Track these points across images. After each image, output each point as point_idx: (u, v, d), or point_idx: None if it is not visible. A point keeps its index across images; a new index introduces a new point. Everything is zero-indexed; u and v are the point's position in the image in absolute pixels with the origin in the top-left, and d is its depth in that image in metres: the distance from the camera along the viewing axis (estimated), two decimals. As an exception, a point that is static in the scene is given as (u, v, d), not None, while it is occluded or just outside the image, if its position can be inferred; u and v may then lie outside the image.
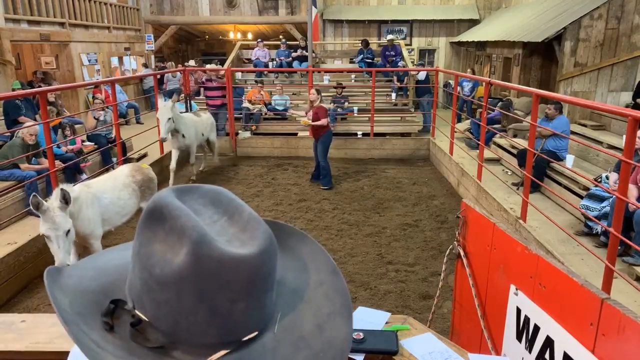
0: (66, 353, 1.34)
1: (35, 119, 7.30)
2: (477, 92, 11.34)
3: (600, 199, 4.85)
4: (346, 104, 10.63)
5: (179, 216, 0.60)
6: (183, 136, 7.15)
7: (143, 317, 0.62)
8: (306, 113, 7.37)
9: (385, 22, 15.21)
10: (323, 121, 7.14)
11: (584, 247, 4.18)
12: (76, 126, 7.71)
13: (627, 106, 7.24)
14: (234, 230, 0.64)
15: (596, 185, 4.88)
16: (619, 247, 3.77)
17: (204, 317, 0.59)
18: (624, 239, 3.58)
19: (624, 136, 5.26)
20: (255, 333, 0.62)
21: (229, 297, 0.59)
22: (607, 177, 5.13)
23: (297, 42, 13.33)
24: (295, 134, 9.96)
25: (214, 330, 0.60)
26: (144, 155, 8.22)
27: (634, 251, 4.14)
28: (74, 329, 0.60)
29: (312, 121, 7.20)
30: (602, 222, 4.42)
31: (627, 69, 8.37)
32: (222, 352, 0.60)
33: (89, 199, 4.03)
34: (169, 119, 6.68)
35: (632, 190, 4.37)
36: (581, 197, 5.28)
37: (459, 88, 9.92)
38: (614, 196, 4.29)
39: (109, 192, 4.36)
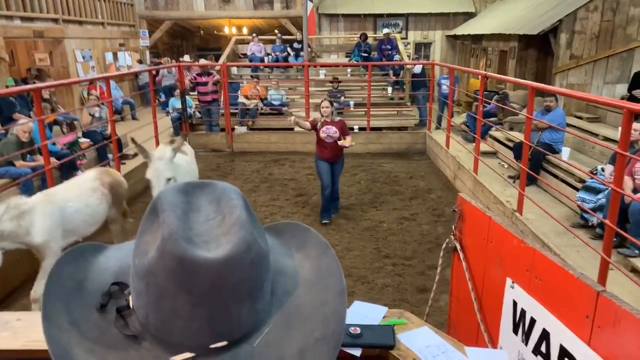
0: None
1: (29, 116, 7.26)
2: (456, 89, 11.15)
3: (596, 191, 4.86)
4: (342, 98, 10.61)
5: (164, 211, 0.62)
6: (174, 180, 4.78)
7: (131, 302, 0.64)
8: (318, 125, 5.72)
9: (381, 15, 15.17)
10: (350, 138, 5.84)
11: (580, 239, 4.20)
12: (75, 122, 7.66)
13: (622, 98, 7.25)
14: (219, 231, 0.63)
15: (592, 178, 4.89)
16: (615, 239, 3.79)
17: (167, 315, 0.59)
18: (619, 230, 3.59)
19: (620, 128, 5.28)
20: (224, 343, 0.60)
21: (189, 299, 0.58)
22: (602, 170, 5.14)
23: (293, 37, 13.28)
24: (292, 129, 9.94)
25: (177, 330, 0.59)
26: (140, 152, 8.17)
27: (630, 243, 4.16)
28: (49, 306, 0.63)
29: (339, 139, 5.69)
30: (598, 214, 4.43)
31: (623, 60, 8.38)
32: (187, 355, 0.59)
33: (47, 210, 3.71)
34: (169, 179, 4.24)
35: (628, 182, 4.39)
36: (577, 189, 5.29)
37: (436, 87, 9.93)
38: (609, 188, 4.31)
39: (74, 200, 4.01)
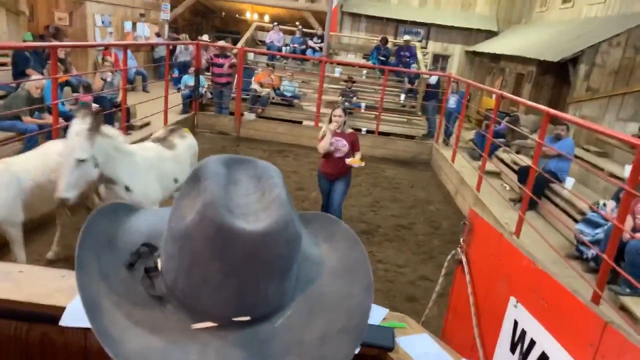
0: (63, 308, 1.34)
1: (42, 74, 7.23)
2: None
3: (595, 225, 4.88)
4: (354, 99, 10.60)
5: (206, 178, 0.62)
6: (127, 189, 3.51)
7: (159, 265, 0.65)
8: (331, 136, 4.90)
9: (403, 22, 15.14)
10: (360, 154, 5.12)
11: (575, 270, 4.21)
12: (90, 85, 7.63)
13: (633, 136, 7.26)
14: (259, 207, 0.63)
15: (594, 211, 4.90)
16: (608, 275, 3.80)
17: (196, 281, 0.60)
18: (615, 266, 3.61)
19: (627, 166, 5.29)
20: (247, 318, 0.60)
21: (222, 268, 0.58)
22: (604, 204, 5.15)
23: (314, 31, 13.24)
24: (300, 122, 9.94)
25: (204, 298, 0.60)
26: (147, 124, 8.17)
27: (621, 281, 4.17)
28: (83, 254, 0.65)
29: (348, 153, 4.96)
30: (595, 247, 4.44)
31: (638, 99, 8.39)
32: (209, 324, 0.60)
33: (4, 181, 3.27)
34: (81, 160, 3.08)
35: (629, 220, 4.40)
36: (576, 220, 5.30)
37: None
38: (609, 224, 4.32)
39: (34, 172, 3.45)
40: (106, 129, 3.29)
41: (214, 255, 0.58)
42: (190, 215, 0.60)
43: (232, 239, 0.57)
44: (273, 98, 10.44)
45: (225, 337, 0.59)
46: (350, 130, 5.15)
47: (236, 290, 0.59)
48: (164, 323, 0.60)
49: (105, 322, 0.58)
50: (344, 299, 0.67)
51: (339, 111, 5.00)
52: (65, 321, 1.31)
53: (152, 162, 3.75)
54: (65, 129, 6.09)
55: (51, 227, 4.86)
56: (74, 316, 1.32)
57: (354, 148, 5.03)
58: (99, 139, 3.13)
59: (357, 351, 1.34)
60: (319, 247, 0.76)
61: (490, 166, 7.41)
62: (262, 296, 0.61)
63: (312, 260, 0.72)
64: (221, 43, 10.73)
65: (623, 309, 4.00)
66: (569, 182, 6.15)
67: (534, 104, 6.31)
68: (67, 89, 7.60)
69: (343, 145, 4.94)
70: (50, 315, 1.33)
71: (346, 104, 10.27)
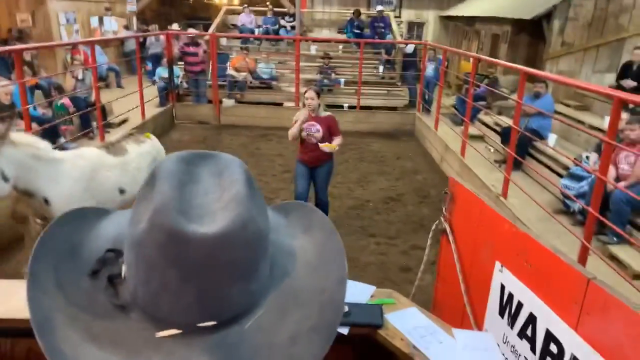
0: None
1: (10, 79, 7.03)
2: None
3: (580, 179, 4.93)
4: (333, 75, 10.50)
5: (159, 179, 0.60)
6: (46, 202, 3.06)
7: (124, 272, 0.62)
8: (303, 122, 4.53)
9: (375, -8, 14.91)
10: (339, 139, 4.68)
11: (562, 225, 4.26)
12: (62, 86, 7.44)
13: (610, 87, 7.30)
14: (217, 206, 0.60)
15: (577, 165, 4.95)
16: (595, 226, 3.86)
17: (155, 289, 0.58)
18: (601, 217, 3.65)
19: (606, 117, 5.33)
20: (212, 323, 0.58)
21: (178, 275, 0.56)
22: (587, 157, 5.20)
23: (285, 10, 13.01)
24: (281, 104, 9.84)
25: (165, 305, 0.58)
26: (125, 120, 8.02)
27: (609, 230, 4.24)
28: (36, 266, 0.61)
29: (323, 139, 4.55)
30: (580, 200, 4.50)
31: (613, 50, 8.41)
32: (173, 331, 0.58)
33: None
34: None
35: (611, 171, 4.45)
36: (561, 176, 5.36)
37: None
38: (592, 176, 4.37)
39: None
40: (21, 136, 2.94)
41: (168, 262, 0.56)
42: (143, 222, 0.57)
43: (185, 244, 0.55)
44: (250, 82, 10.30)
45: (190, 344, 0.57)
46: (327, 114, 4.66)
47: (196, 296, 0.57)
48: (126, 334, 0.58)
49: (57, 339, 0.56)
50: (317, 294, 0.64)
51: (311, 93, 4.51)
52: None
53: (84, 171, 3.28)
54: (41, 134, 5.98)
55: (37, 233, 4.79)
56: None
57: (332, 133, 4.56)
58: (7, 149, 2.74)
59: (346, 332, 1.34)
60: (296, 239, 0.73)
61: (473, 130, 7.43)
62: (226, 300, 0.58)
63: (288, 253, 0.69)
64: (190, 31, 10.51)
65: (612, 257, 4.08)
66: (552, 138, 6.19)
67: (509, 64, 6.30)
68: (37, 92, 7.40)
69: (317, 130, 4.49)
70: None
71: (325, 81, 10.18)
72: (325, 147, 4.49)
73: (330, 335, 0.60)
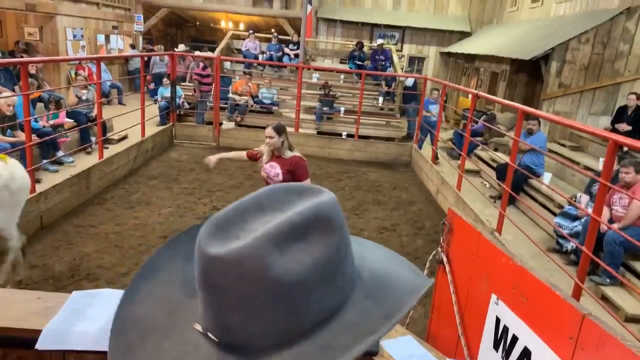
0: (39, 332, 1.30)
1: (14, 90, 7.08)
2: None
3: (573, 218, 4.97)
4: (333, 104, 10.65)
5: (241, 200, 0.64)
6: None
7: None
8: (263, 163, 3.93)
9: (378, 26, 15.27)
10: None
11: (556, 263, 4.28)
12: (61, 101, 7.49)
13: (605, 130, 7.43)
14: (249, 232, 0.58)
15: (571, 204, 4.99)
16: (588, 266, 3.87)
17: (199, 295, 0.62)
18: (594, 258, 3.67)
19: (601, 159, 5.41)
20: (215, 339, 0.59)
21: (197, 279, 0.60)
22: (581, 197, 5.26)
23: (289, 37, 13.27)
24: (280, 129, 9.91)
25: (199, 305, 0.62)
26: (124, 137, 8.06)
27: (601, 271, 4.26)
28: (178, 237, 0.77)
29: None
30: (574, 240, 4.52)
31: (609, 94, 8.61)
32: (200, 327, 0.62)
33: None
34: None
35: (605, 212, 4.50)
36: (555, 214, 5.40)
37: (424, 111, 9.17)
38: (586, 216, 4.41)
39: None
40: None
41: (196, 269, 0.61)
42: None
43: (199, 254, 0.59)
44: (251, 106, 10.41)
45: (199, 344, 0.60)
46: (293, 154, 3.89)
47: (204, 303, 0.60)
48: (185, 312, 0.64)
49: (141, 287, 0.70)
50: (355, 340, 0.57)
51: (269, 130, 3.82)
52: (41, 344, 1.27)
53: None
54: (39, 146, 6.00)
55: (27, 247, 4.75)
56: (51, 339, 1.28)
57: (295, 177, 3.82)
58: None
59: None
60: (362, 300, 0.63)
61: (470, 165, 7.51)
62: (223, 322, 0.58)
63: (349, 328, 0.59)
64: (197, 53, 10.71)
65: (604, 298, 4.08)
66: (547, 176, 6.27)
67: (508, 101, 6.43)
68: (39, 105, 7.46)
69: (276, 174, 3.81)
70: (26, 339, 1.29)
71: (325, 109, 10.31)
72: None
73: None
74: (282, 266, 0.55)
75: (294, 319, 0.57)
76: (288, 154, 3.87)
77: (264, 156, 3.93)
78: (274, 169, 3.84)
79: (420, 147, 9.34)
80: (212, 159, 4.19)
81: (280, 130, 3.82)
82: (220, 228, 0.60)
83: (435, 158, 8.39)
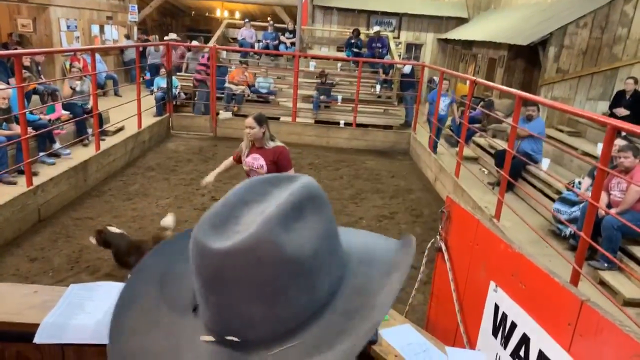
0: (36, 325, 1.30)
1: (8, 83, 7.02)
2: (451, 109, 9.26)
3: (571, 204, 4.98)
4: (330, 92, 10.59)
5: (225, 196, 0.63)
6: None
7: None
8: (244, 156, 3.86)
9: (375, 12, 15.14)
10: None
11: (554, 248, 4.29)
12: (56, 93, 7.44)
13: (603, 115, 7.42)
14: (249, 223, 0.58)
15: (569, 190, 5.00)
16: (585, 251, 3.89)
17: (198, 296, 0.62)
18: (592, 243, 3.69)
19: (599, 144, 5.41)
20: (235, 339, 0.58)
21: (203, 284, 0.59)
22: (579, 183, 5.26)
23: (285, 25, 13.16)
24: (278, 119, 9.88)
25: (203, 313, 0.61)
26: (121, 129, 8.02)
27: (599, 256, 4.28)
28: (150, 259, 0.74)
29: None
30: (572, 225, 4.54)
31: (607, 78, 8.58)
32: (209, 338, 0.60)
33: None
34: None
35: (603, 197, 4.50)
36: (553, 200, 5.41)
37: (431, 105, 8.63)
38: (584, 201, 4.42)
39: None
40: None
41: (196, 272, 0.60)
42: None
43: (204, 255, 0.57)
44: (248, 95, 10.35)
45: (215, 354, 0.59)
46: (276, 144, 3.80)
47: (216, 307, 0.59)
48: (184, 330, 0.63)
49: (127, 320, 0.66)
50: (348, 345, 0.58)
51: (250, 120, 3.71)
52: (39, 338, 1.27)
53: None
54: (36, 139, 5.97)
55: (27, 240, 4.75)
56: (49, 332, 1.28)
57: (279, 167, 3.73)
58: None
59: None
60: (386, 277, 0.64)
61: (468, 152, 7.50)
62: (246, 319, 0.58)
63: (359, 290, 0.63)
64: (195, 43, 10.63)
65: (602, 283, 4.10)
66: (545, 162, 6.26)
67: (505, 87, 6.40)
68: (35, 97, 7.40)
69: (260, 166, 3.72)
70: (24, 332, 1.29)
71: (322, 97, 10.26)
72: None
73: None
74: (293, 244, 0.57)
75: (313, 294, 0.60)
76: (270, 144, 3.78)
77: (243, 149, 3.86)
78: (257, 161, 3.76)
79: (435, 151, 8.33)
80: (209, 179, 4.14)
81: (261, 120, 3.72)
82: (216, 227, 0.59)
83: (433, 148, 8.30)
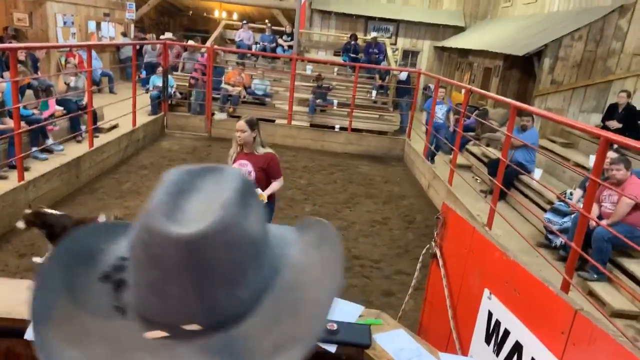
0: (27, 321, 1.29)
1: (2, 77, 6.96)
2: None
3: (563, 214, 5.02)
4: (327, 96, 10.61)
5: (160, 188, 0.62)
6: None
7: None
8: (231, 161, 3.69)
9: (372, 18, 15.20)
10: (277, 184, 3.76)
11: (545, 258, 4.32)
12: (50, 88, 7.38)
13: (596, 127, 7.50)
14: (207, 211, 0.60)
15: (561, 200, 5.04)
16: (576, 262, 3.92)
17: (144, 290, 0.59)
18: (583, 254, 3.72)
19: (591, 156, 5.46)
20: (197, 327, 0.58)
21: (161, 275, 0.57)
22: (571, 194, 5.31)
23: (283, 28, 13.18)
24: (273, 121, 9.88)
25: (152, 306, 0.59)
26: (115, 126, 7.97)
27: (589, 267, 4.31)
28: (47, 264, 0.66)
29: (257, 183, 3.63)
30: (563, 235, 4.57)
31: (600, 91, 8.67)
32: (160, 333, 0.58)
33: None
34: None
35: (594, 208, 4.54)
36: (545, 210, 5.45)
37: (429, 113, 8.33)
38: (576, 212, 4.45)
39: None
40: None
41: (151, 262, 0.57)
42: (137, 225, 0.60)
43: (165, 244, 0.56)
44: (244, 97, 10.34)
45: (174, 346, 0.58)
46: (266, 151, 3.68)
47: (178, 297, 0.57)
48: (117, 333, 0.59)
49: (50, 331, 0.59)
50: (311, 306, 0.63)
51: (241, 123, 3.58)
52: (31, 334, 1.25)
53: None
54: (29, 134, 5.91)
55: (16, 236, 4.70)
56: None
57: (269, 175, 3.64)
58: None
59: (333, 350, 1.34)
60: (306, 254, 0.71)
61: (461, 160, 7.54)
62: (210, 303, 0.58)
63: (292, 265, 0.69)
64: (191, 42, 10.61)
65: (591, 294, 4.13)
66: (537, 172, 6.31)
67: (500, 97, 6.45)
68: (29, 92, 7.34)
69: (246, 173, 3.53)
70: (15, 328, 1.28)
71: (318, 100, 10.28)
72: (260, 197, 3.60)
73: (311, 346, 0.59)
74: (252, 227, 0.62)
75: (263, 272, 0.64)
76: (260, 150, 3.64)
77: (231, 154, 3.73)
78: (244, 168, 3.58)
79: (432, 161, 8.19)
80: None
81: (253, 124, 3.59)
82: (169, 216, 0.58)
83: (430, 158, 8.14)
